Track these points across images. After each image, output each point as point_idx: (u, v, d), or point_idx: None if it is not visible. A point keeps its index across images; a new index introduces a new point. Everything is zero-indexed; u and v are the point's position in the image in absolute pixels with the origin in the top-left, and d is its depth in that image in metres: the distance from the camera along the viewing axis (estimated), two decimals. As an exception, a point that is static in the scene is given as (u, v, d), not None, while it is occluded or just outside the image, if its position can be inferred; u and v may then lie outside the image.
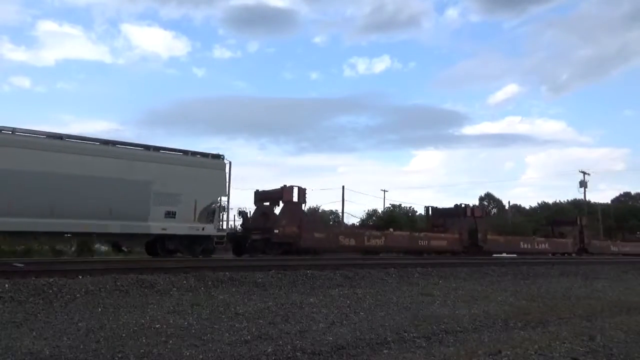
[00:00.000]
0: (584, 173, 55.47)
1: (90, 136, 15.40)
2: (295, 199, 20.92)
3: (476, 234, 28.30)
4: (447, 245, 26.91)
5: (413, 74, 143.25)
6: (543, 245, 32.84)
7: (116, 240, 16.87)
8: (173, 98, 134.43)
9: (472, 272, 13.42)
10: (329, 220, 57.50)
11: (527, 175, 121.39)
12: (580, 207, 59.03)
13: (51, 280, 7.76)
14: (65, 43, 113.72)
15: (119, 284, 8.08)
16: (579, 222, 35.95)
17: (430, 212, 31.85)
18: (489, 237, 28.90)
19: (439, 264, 14.57)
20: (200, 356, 4.51)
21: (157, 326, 5.66)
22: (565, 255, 32.80)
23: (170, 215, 15.54)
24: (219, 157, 17.25)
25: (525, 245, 31.67)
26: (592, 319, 7.28)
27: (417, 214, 60.01)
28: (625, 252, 38.19)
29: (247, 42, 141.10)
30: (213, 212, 16.52)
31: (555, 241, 34.28)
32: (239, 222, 23.37)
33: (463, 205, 29.06)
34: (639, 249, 40.16)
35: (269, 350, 4.75)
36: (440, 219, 29.67)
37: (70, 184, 13.59)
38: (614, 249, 38.74)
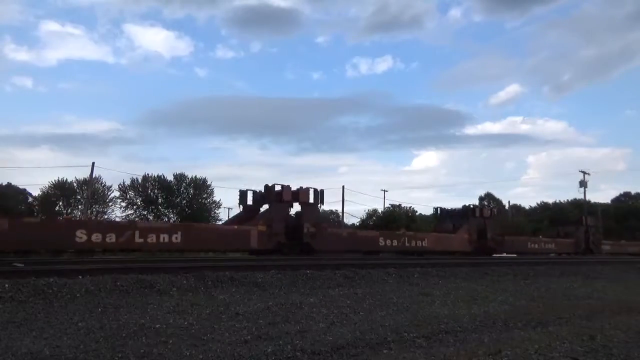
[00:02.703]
0: (584, 173, 55.61)
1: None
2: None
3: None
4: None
5: (415, 74, 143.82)
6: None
7: None
8: (175, 98, 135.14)
9: (472, 272, 13.41)
10: (329, 221, 57.54)
11: (528, 175, 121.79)
12: (580, 207, 59.04)
13: (51, 280, 7.75)
14: (67, 43, 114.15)
15: (119, 284, 8.07)
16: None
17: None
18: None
19: (439, 264, 14.57)
20: (200, 356, 4.51)
21: (157, 326, 5.66)
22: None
23: None
24: None
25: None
26: (592, 319, 7.27)
27: (417, 214, 60.12)
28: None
29: (250, 42, 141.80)
30: None
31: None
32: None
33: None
34: None
35: (269, 350, 4.75)
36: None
37: None
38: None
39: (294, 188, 21.52)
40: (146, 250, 18.13)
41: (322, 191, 22.12)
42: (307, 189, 21.74)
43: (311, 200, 21.85)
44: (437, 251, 26.22)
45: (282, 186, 21.30)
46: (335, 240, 22.51)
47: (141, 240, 17.15)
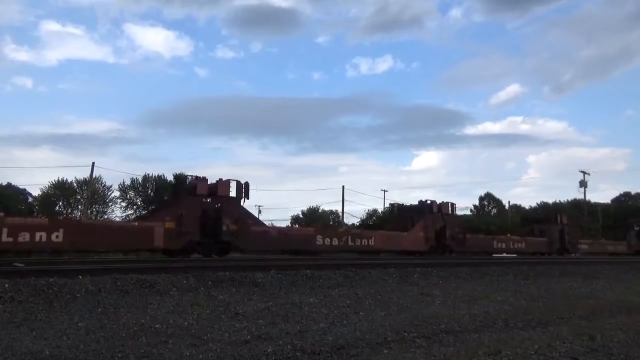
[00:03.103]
0: (584, 173, 55.63)
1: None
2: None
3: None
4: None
5: (416, 74, 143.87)
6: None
7: None
8: (175, 98, 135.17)
9: (472, 272, 13.41)
10: (329, 221, 57.60)
11: (528, 175, 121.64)
12: (580, 207, 59.04)
13: (51, 280, 7.75)
14: (68, 43, 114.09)
15: (119, 284, 8.07)
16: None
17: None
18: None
19: (439, 264, 14.57)
20: (200, 356, 4.51)
21: (157, 326, 5.66)
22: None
23: None
24: None
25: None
26: (592, 319, 7.28)
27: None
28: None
29: (250, 42, 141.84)
30: None
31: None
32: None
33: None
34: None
35: (269, 350, 4.75)
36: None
37: None
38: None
39: (230, 181, 19.66)
40: (18, 252, 16.04)
41: (246, 184, 19.98)
42: (228, 181, 19.70)
43: (232, 194, 19.61)
44: (385, 250, 24.53)
45: (197, 178, 19.32)
46: (261, 239, 20.36)
47: (10, 239, 14.59)
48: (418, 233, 25.79)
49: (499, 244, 29.83)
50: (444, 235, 26.49)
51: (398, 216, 29.70)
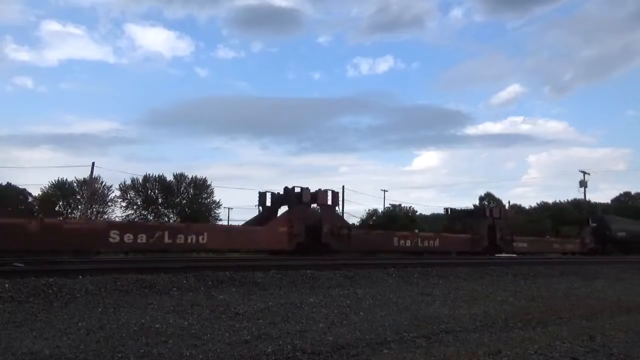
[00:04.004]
0: (584, 173, 55.62)
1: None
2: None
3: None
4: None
5: (416, 74, 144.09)
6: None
7: None
8: (176, 98, 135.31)
9: (472, 272, 13.41)
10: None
11: (528, 175, 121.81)
12: (580, 207, 59.06)
13: (51, 280, 7.75)
14: (68, 43, 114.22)
15: (119, 284, 8.07)
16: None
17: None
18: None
19: (439, 264, 14.57)
20: (200, 356, 4.51)
21: (157, 326, 5.66)
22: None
23: None
24: None
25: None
26: (592, 319, 7.27)
27: (417, 213, 60.14)
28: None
29: (251, 42, 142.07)
30: None
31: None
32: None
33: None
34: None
35: (269, 350, 4.75)
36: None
37: None
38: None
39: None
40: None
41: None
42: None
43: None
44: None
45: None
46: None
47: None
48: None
49: (402, 242, 24.93)
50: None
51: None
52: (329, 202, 22.83)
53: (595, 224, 37.08)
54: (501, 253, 28.00)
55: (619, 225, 38.63)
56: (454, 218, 31.24)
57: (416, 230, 30.19)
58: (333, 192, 23.28)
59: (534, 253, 30.17)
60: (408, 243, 25.11)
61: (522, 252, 29.41)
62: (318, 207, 22.82)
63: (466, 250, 27.25)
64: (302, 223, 21.33)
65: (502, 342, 5.36)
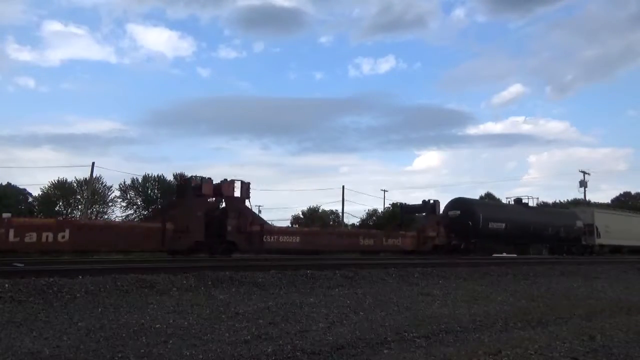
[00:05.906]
0: (584, 173, 55.54)
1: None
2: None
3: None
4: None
5: (418, 74, 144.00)
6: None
7: None
8: (177, 98, 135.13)
9: (472, 272, 13.41)
10: (329, 221, 57.56)
11: (529, 175, 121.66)
12: (579, 207, 58.94)
13: (51, 280, 7.75)
14: (70, 43, 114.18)
15: (119, 284, 8.07)
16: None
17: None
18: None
19: (439, 264, 14.57)
20: (200, 356, 4.51)
21: (157, 326, 5.66)
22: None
23: None
24: None
25: (290, 239, 21.12)
26: (592, 319, 7.27)
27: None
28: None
29: (253, 42, 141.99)
30: None
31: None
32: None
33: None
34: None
35: (269, 350, 4.75)
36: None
37: None
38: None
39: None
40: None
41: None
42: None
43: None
44: None
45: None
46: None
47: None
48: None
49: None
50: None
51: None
52: (237, 194, 19.67)
53: (457, 212, 27.54)
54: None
55: (491, 214, 27.94)
56: (407, 212, 29.02)
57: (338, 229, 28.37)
58: (243, 182, 19.64)
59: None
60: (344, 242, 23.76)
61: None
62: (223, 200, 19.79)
63: (409, 249, 24.91)
64: (200, 219, 18.37)
65: (502, 342, 5.35)
